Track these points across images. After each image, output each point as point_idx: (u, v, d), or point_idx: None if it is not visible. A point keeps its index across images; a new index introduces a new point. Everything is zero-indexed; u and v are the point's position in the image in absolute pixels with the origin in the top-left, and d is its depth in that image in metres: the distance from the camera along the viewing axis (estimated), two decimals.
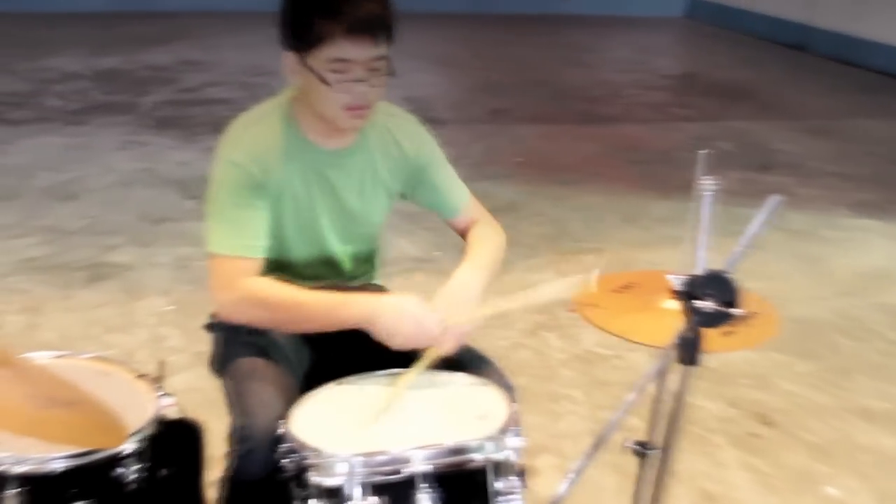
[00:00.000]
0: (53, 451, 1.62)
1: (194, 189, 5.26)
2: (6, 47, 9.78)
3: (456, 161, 2.23)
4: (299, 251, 2.09)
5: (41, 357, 1.98)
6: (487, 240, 2.16)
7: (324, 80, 1.85)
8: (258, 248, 1.97)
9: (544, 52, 10.77)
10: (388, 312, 1.85)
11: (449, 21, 11.97)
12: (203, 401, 2.01)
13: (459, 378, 1.91)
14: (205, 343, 2.22)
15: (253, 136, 1.98)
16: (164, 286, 4.11)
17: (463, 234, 2.22)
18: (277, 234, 2.03)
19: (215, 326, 2.21)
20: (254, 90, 7.79)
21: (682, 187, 5.34)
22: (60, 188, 5.40)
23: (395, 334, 1.84)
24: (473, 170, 5.76)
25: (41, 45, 9.89)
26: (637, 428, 2.07)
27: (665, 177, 5.95)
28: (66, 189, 5.38)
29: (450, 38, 10.87)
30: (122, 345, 3.51)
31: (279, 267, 2.08)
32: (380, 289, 2.28)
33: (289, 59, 1.90)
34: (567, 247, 4.78)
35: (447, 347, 1.89)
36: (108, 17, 11.63)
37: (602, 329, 1.87)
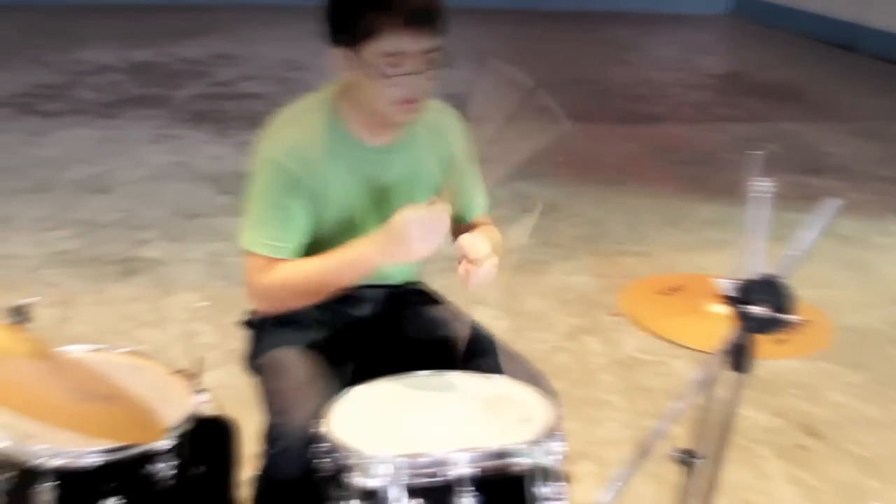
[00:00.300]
0: (89, 446, 1.64)
1: (228, 184, 5.30)
2: (39, 39, 9.92)
3: None
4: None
5: (76, 350, 2.01)
6: (494, 234, 2.17)
7: (381, 74, 1.85)
8: (287, 248, 1.98)
9: (586, 50, 10.74)
10: (394, 235, 1.82)
11: (487, 17, 11.95)
12: (235, 398, 2.03)
13: (499, 380, 1.91)
14: (238, 340, 2.23)
15: (294, 132, 1.99)
16: (197, 282, 4.14)
17: None
18: (316, 233, 2.03)
19: (251, 323, 2.22)
20: (289, 85, 7.84)
21: (727, 190, 5.37)
22: (93, 181, 5.46)
23: (412, 247, 1.81)
24: (512, 169, 5.74)
25: (74, 37, 10.01)
26: (677, 435, 2.05)
27: (709, 178, 5.91)
28: (99, 182, 5.45)
29: (489, 35, 10.85)
30: (154, 340, 3.54)
31: None
32: (421, 288, 2.29)
33: (336, 54, 1.90)
34: (607, 249, 4.75)
35: (480, 276, 1.91)
36: (141, 9, 11.75)
37: (648, 331, 1.86)
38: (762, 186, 1.73)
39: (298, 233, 1.99)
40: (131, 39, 9.92)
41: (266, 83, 8.11)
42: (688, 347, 1.88)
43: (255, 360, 2.11)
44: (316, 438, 1.73)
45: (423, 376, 1.92)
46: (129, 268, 4.28)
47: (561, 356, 3.64)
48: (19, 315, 1.45)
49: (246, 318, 2.25)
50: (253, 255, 1.97)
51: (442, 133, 2.12)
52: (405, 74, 1.86)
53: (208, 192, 5.30)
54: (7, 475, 1.64)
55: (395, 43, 1.83)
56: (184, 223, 4.84)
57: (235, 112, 7.07)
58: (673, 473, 1.96)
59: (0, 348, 1.40)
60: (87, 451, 1.65)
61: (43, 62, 8.74)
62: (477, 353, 2.02)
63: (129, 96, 7.59)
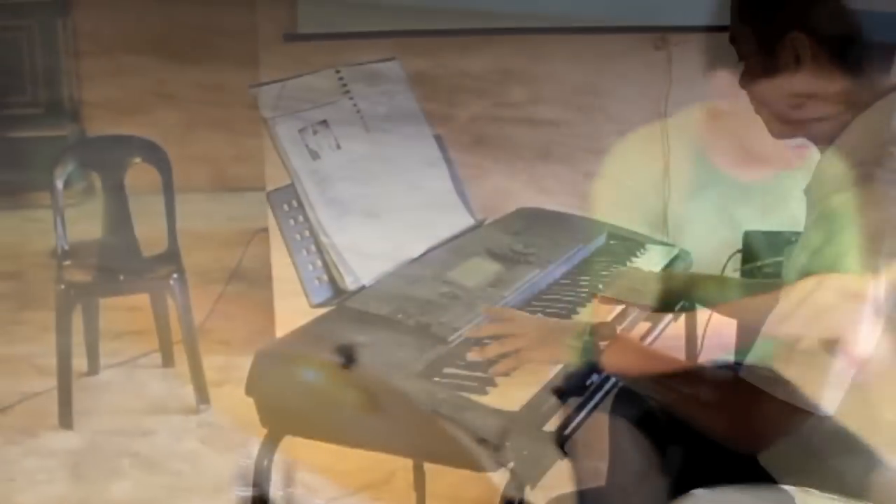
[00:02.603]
0: None
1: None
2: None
3: None
4: None
5: None
6: None
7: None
8: None
9: None
10: None
11: None
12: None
13: None
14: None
15: None
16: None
17: None
18: None
19: (562, 392, 2.24)
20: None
21: None
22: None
23: None
24: None
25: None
26: None
27: None
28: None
29: None
30: None
31: None
32: (773, 375, 2.22)
33: (724, 78, 1.90)
34: None
35: None
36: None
37: None
38: None
39: None
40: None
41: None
42: None
43: (568, 435, 2.12)
44: None
45: (781, 491, 1.86)
46: None
47: None
48: (346, 355, 1.46)
49: (556, 384, 2.28)
50: None
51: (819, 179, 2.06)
52: (811, 120, 1.83)
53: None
54: None
55: (810, 82, 1.80)
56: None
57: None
58: None
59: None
60: None
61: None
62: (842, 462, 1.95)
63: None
